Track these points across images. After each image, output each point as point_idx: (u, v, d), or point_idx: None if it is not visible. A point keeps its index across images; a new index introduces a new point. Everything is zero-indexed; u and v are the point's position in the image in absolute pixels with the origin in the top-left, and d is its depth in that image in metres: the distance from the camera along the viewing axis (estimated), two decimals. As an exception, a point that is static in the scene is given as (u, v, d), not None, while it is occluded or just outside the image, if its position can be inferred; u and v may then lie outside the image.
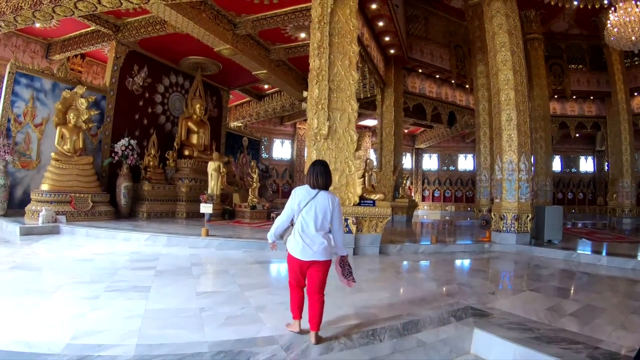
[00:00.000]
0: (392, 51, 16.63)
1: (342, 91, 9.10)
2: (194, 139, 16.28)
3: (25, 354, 3.02)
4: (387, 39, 15.45)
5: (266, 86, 21.61)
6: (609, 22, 12.81)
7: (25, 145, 11.80)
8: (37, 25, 13.37)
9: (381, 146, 17.87)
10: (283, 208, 3.76)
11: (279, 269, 7.08)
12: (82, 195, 11.16)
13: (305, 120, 27.28)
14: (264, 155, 26.89)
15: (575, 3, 14.90)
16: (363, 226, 8.99)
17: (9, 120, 11.46)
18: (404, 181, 18.95)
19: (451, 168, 33.46)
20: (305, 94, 9.71)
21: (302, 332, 3.67)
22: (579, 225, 19.10)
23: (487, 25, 11.54)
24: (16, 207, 11.12)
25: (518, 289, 6.22)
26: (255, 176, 14.74)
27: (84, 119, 11.90)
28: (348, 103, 9.12)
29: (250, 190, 14.57)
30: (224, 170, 14.46)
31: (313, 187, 3.62)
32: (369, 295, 5.33)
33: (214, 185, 13.93)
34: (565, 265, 8.56)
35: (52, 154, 11.34)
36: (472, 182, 31.81)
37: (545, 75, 18.91)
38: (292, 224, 3.68)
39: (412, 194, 22.95)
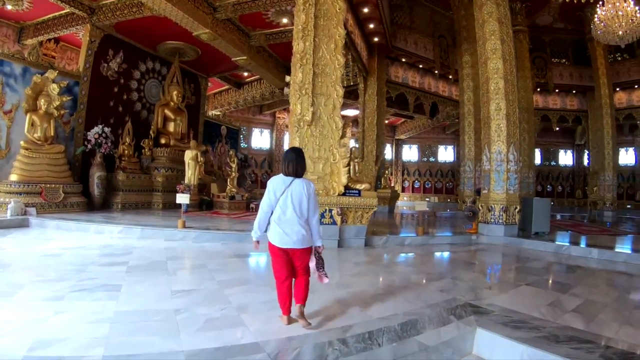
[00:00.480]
0: (376, 39, 16.25)
1: (327, 76, 8.67)
2: (171, 127, 15.67)
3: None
4: (371, 26, 15.05)
5: (246, 74, 21.08)
6: (596, 16, 12.66)
7: (-7, 133, 11.06)
8: (9, 7, 12.65)
9: (363, 135, 17.54)
10: (262, 198, 3.68)
11: (259, 262, 6.65)
12: (53, 185, 10.51)
13: (286, 109, 26.93)
14: (243, 144, 26.35)
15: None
16: (348, 217, 8.62)
17: (-24, 107, 10.69)
18: (386, 171, 18.68)
19: (431, 159, 33.46)
20: (287, 78, 9.26)
21: (290, 321, 3.62)
22: (558, 217, 19.10)
23: (477, 14, 11.23)
24: (-17, 199, 10.39)
25: (514, 284, 5.92)
26: (233, 166, 14.27)
27: (55, 106, 11.21)
28: (333, 88, 8.70)
29: (228, 180, 14.09)
30: (201, 159, 13.94)
31: (287, 175, 3.62)
32: (359, 291, 4.95)
33: (191, 174, 13.40)
34: (555, 258, 8.35)
35: (22, 142, 10.66)
36: (452, 174, 32.00)
37: (529, 67, 18.77)
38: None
39: (392, 185, 22.77)
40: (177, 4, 10.96)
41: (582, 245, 9.16)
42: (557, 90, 23.02)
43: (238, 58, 15.16)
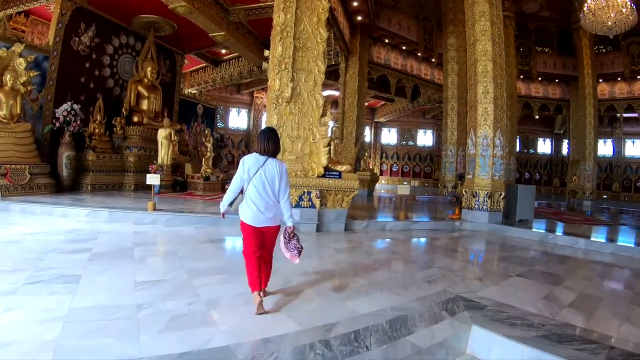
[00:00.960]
0: (359, 18, 15.74)
1: (309, 50, 8.16)
2: (144, 104, 14.92)
3: None
4: (355, 4, 14.57)
5: (224, 51, 20.35)
6: (585, 5, 12.47)
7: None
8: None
9: (343, 117, 17.05)
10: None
11: (234, 247, 6.22)
12: (19, 166, 9.78)
13: (264, 88, 26.28)
14: (220, 124, 25.63)
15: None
16: (327, 200, 8.23)
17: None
18: (366, 154, 18.32)
19: (410, 143, 33.22)
20: (267, 52, 8.68)
21: (264, 294, 3.69)
22: (536, 205, 19.06)
23: (467, -6, 10.79)
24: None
25: (504, 274, 5.63)
26: (209, 145, 13.70)
27: (22, 81, 10.41)
28: (315, 63, 8.20)
29: (203, 160, 13.53)
30: (175, 138, 13.31)
31: (263, 154, 3.65)
32: (340, 283, 4.58)
33: (164, 154, 12.78)
34: (542, 247, 8.14)
35: (-15, 120, 9.89)
36: (430, 158, 31.97)
37: (513, 54, 18.55)
38: (242, 192, 3.68)
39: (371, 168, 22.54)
40: (151, -27, 10.24)
41: (568, 235, 8.94)
42: (540, 79, 23.00)
43: (216, 34, 14.45)
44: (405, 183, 30.25)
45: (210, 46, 18.03)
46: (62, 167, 11.20)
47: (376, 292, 4.30)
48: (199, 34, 14.87)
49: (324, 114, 8.23)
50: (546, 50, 22.75)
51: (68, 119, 11.24)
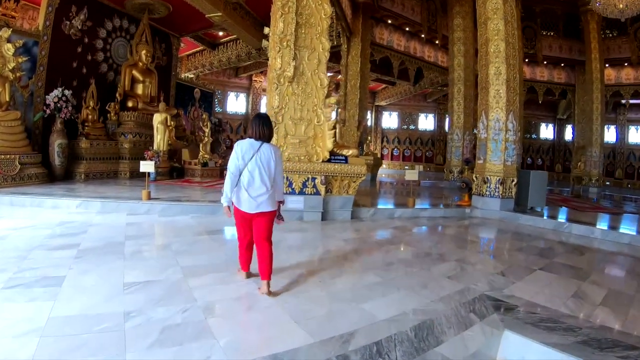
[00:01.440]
0: (361, -3, 15.12)
1: (312, 27, 7.60)
2: (139, 89, 14.37)
3: None
4: (357, -18, 13.94)
5: (221, 33, 19.74)
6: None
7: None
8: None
9: (345, 99, 16.52)
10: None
11: (233, 239, 5.67)
12: (9, 156, 9.28)
13: (262, 72, 25.64)
14: (218, 109, 25.00)
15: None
16: (333, 187, 7.77)
17: None
18: (368, 138, 17.83)
19: (411, 127, 32.57)
20: (267, 30, 8.14)
21: (249, 276, 3.89)
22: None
23: (478, -30, 10.23)
24: None
25: (526, 268, 5.21)
26: (206, 130, 13.17)
27: (10, 68, 9.87)
28: (319, 41, 7.65)
29: (201, 145, 13.03)
30: (172, 123, 12.78)
31: (257, 139, 3.65)
32: (355, 281, 4.15)
33: (160, 140, 12.27)
34: (557, 236, 7.72)
35: (-28, 109, 9.39)
36: (432, 142, 31.42)
37: (520, 36, 17.97)
38: None
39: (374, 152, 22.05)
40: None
41: (583, 224, 8.50)
42: (545, 62, 22.42)
43: (212, 15, 13.85)
44: (408, 167, 29.76)
45: (207, 28, 17.45)
46: (54, 156, 10.70)
47: (393, 291, 3.88)
48: (195, 15, 14.30)
49: (328, 95, 7.70)
50: (551, 34, 22.09)
51: (59, 105, 10.75)
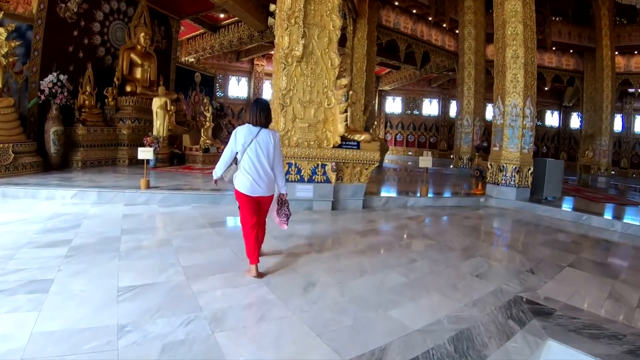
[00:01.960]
0: (368, -23, 14.55)
1: (322, 3, 7.07)
2: (138, 73, 13.87)
3: None
4: (364, -39, 13.36)
5: (222, 16, 19.18)
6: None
7: None
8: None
9: (351, 82, 15.92)
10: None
11: (238, 232, 4.94)
12: (2, 145, 8.84)
13: (264, 55, 25.02)
14: (219, 93, 24.50)
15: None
16: (344, 174, 7.35)
17: None
18: (375, 122, 17.31)
19: (415, 112, 31.87)
20: (272, 7, 7.64)
21: (259, 275, 3.67)
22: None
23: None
24: None
25: (555, 264, 4.82)
26: (208, 115, 12.73)
27: (3, 53, 9.40)
28: (329, 18, 7.14)
29: (202, 130, 12.59)
30: (172, 107, 12.32)
31: (255, 125, 3.68)
32: (378, 282, 3.75)
33: (160, 125, 11.81)
34: (577, 229, 7.31)
35: (-36, 96, 8.94)
36: (436, 128, 30.86)
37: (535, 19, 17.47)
38: (236, 163, 3.73)
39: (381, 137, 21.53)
40: None
41: (602, 215, 8.15)
42: (554, 48, 21.79)
43: (214, -5, 13.38)
44: (412, 153, 29.30)
45: (208, 10, 16.91)
46: (49, 143, 10.25)
47: (422, 294, 3.49)
48: (195, -5, 13.81)
49: (340, 76, 7.19)
50: (561, 19, 21.44)
51: (54, 91, 10.30)
